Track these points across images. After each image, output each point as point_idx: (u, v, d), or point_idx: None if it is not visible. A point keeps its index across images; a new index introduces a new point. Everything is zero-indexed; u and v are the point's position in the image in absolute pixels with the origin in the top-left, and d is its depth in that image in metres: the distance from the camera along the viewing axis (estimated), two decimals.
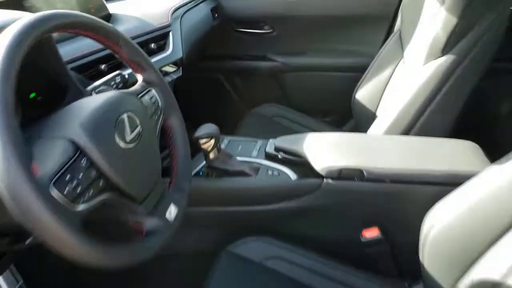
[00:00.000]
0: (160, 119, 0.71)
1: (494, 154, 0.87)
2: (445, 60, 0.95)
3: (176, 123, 0.76)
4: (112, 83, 0.76)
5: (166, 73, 1.08)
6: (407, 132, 1.02)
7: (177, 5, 1.33)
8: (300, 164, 0.93)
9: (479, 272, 0.60)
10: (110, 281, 0.98)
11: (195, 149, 0.93)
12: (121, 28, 1.04)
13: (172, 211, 0.66)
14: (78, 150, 0.51)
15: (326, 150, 0.92)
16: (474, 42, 0.94)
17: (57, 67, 0.70)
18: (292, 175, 0.92)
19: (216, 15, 1.59)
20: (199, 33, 1.41)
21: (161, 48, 1.11)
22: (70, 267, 0.69)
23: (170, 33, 1.17)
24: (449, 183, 0.78)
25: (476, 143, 0.93)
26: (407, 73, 1.17)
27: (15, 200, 0.42)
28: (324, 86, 1.74)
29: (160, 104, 0.72)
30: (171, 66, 1.11)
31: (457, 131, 1.04)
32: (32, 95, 0.69)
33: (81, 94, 0.71)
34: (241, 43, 1.76)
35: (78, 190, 0.49)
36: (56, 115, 0.56)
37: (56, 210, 0.44)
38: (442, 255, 0.68)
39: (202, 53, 1.70)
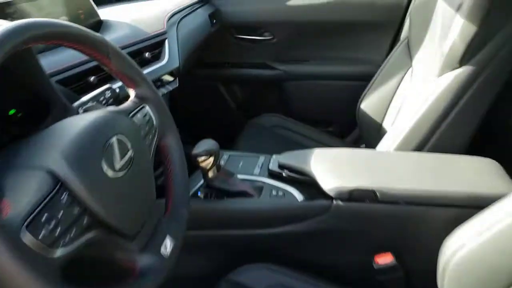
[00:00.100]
0: (155, 139, 0.64)
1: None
2: (462, 72, 0.89)
3: (172, 142, 0.69)
4: (102, 98, 0.69)
5: (162, 84, 1.01)
6: (420, 148, 0.96)
7: (173, 11, 1.27)
8: (307, 184, 0.87)
9: None
10: None
11: (193, 166, 0.86)
12: (112, 35, 0.97)
13: (168, 245, 0.58)
14: (58, 184, 0.43)
15: (335, 168, 0.86)
16: (494, 52, 0.87)
17: (38, 80, 0.62)
18: (298, 196, 0.86)
19: (215, 21, 1.53)
20: (197, 40, 1.35)
21: (156, 57, 1.04)
22: None
23: (166, 41, 1.10)
24: (470, 205, 0.74)
25: (492, 158, 0.87)
26: (418, 83, 1.10)
27: None
28: (326, 95, 1.68)
29: (154, 122, 0.64)
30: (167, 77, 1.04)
31: (472, 146, 0.98)
32: (12, 111, 0.62)
33: (67, 111, 0.64)
34: (240, 50, 1.70)
35: (57, 232, 0.41)
36: (35, 138, 0.49)
37: (28, 261, 0.37)
38: (465, 285, 0.61)
39: (200, 60, 1.63)
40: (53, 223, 0.41)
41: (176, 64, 1.08)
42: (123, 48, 0.94)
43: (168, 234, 0.59)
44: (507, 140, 1.02)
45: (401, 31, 1.45)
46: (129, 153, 0.53)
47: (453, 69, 0.90)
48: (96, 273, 0.56)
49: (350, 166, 0.87)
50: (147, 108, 0.64)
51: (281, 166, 0.92)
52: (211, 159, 0.83)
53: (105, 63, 0.59)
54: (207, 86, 1.80)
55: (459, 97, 0.90)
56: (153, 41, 1.06)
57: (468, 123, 0.95)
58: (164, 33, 1.11)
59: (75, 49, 0.56)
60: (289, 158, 0.93)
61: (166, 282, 0.86)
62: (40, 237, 0.39)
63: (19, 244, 0.37)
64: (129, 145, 0.53)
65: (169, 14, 1.23)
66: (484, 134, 0.98)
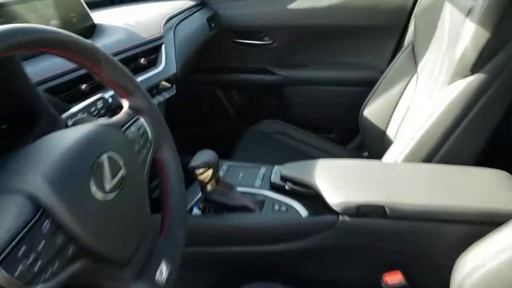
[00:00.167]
0: (150, 153, 0.59)
1: None
2: (474, 79, 0.85)
3: (169, 155, 0.64)
4: (93, 109, 0.64)
5: (158, 92, 0.96)
6: (429, 159, 0.91)
7: (170, 15, 1.22)
8: (311, 197, 0.82)
9: None
10: None
11: (190, 178, 0.82)
12: (106, 40, 0.93)
13: (163, 270, 0.53)
14: (39, 210, 0.39)
15: (341, 181, 0.82)
16: (507, 59, 0.83)
17: (23, 89, 0.57)
18: (302, 211, 0.81)
19: (213, 25, 1.48)
20: (195, 45, 1.30)
21: (152, 63, 1.00)
22: None
23: (163, 46, 1.05)
24: (485, 221, 0.71)
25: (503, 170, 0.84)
26: (424, 91, 1.06)
27: None
28: (327, 101, 1.65)
29: (149, 135, 0.60)
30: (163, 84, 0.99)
31: (482, 157, 0.94)
32: None
33: (55, 123, 0.59)
34: (239, 54, 1.66)
35: (37, 266, 0.36)
36: (15, 157, 0.44)
37: None
38: None
39: (198, 65, 1.59)
40: (32, 256, 0.36)
41: (173, 70, 1.03)
42: (117, 53, 0.90)
43: (164, 259, 0.54)
44: None
45: (405, 36, 1.41)
46: (121, 172, 0.48)
47: (465, 76, 0.86)
48: None
49: (357, 179, 0.83)
50: (142, 120, 0.59)
51: (284, 178, 0.87)
52: (210, 171, 0.79)
53: (96, 72, 0.54)
54: (205, 91, 1.76)
55: (471, 106, 0.86)
56: (149, 46, 1.01)
57: (479, 133, 0.90)
58: (160, 37, 1.07)
59: (62, 57, 0.51)
60: (292, 169, 0.89)
61: None
62: (16, 274, 0.34)
63: None
64: (121, 163, 0.49)
65: (165, 18, 1.18)
66: (495, 144, 0.94)
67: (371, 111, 1.31)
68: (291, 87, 1.65)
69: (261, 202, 0.84)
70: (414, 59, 1.23)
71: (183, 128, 1.82)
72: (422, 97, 1.08)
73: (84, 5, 0.97)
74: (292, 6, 1.52)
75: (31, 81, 0.58)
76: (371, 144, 1.34)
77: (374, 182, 0.82)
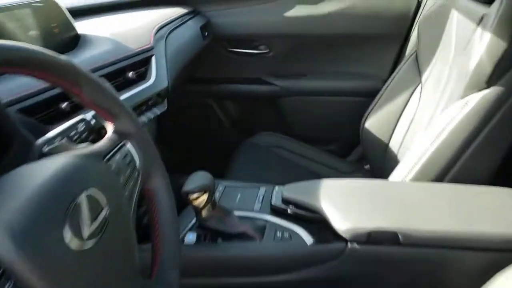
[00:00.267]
0: (138, 184, 0.52)
1: None
2: (490, 93, 0.79)
3: (159, 185, 0.57)
4: (73, 132, 0.56)
5: (148, 108, 0.89)
6: (440, 178, 0.85)
7: (161, 23, 1.15)
8: (316, 222, 0.76)
9: None
10: None
11: (183, 203, 0.75)
12: (91, 53, 0.85)
13: None
14: None
15: (349, 204, 0.76)
16: None
17: None
18: (307, 238, 0.75)
19: (206, 33, 1.42)
20: (188, 55, 1.24)
21: (142, 76, 0.92)
22: None
23: (153, 58, 0.98)
24: (509, 249, 0.66)
25: None
26: (432, 103, 1.00)
27: None
28: (326, 112, 1.60)
29: (137, 163, 0.52)
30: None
31: (497, 176, 0.88)
32: None
33: (27, 151, 0.52)
34: (234, 64, 1.60)
35: None
36: None
37: None
38: None
39: (190, 76, 1.52)
40: None
41: (164, 84, 0.96)
42: (103, 67, 0.83)
43: None
44: None
45: (407, 44, 1.37)
46: (104, 212, 0.41)
47: (480, 89, 0.80)
48: None
49: (365, 201, 0.77)
50: (128, 145, 0.52)
51: (286, 201, 0.81)
52: (205, 196, 0.72)
53: (75, 93, 0.47)
54: (198, 103, 1.69)
55: (486, 121, 0.81)
56: (138, 58, 0.94)
57: (494, 150, 0.85)
58: (150, 48, 1.00)
59: (36, 77, 0.43)
60: (294, 191, 0.82)
61: None
62: None
63: None
64: (103, 202, 0.41)
65: (156, 27, 1.11)
66: (510, 162, 0.88)
67: (373, 122, 1.26)
68: (288, 97, 1.60)
69: (262, 228, 0.77)
70: (418, 69, 1.18)
71: (175, 141, 1.77)
72: (428, 109, 1.02)
73: (67, 13, 0.89)
74: (289, 13, 1.46)
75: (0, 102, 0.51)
76: (373, 156, 1.28)
77: (384, 205, 0.76)
